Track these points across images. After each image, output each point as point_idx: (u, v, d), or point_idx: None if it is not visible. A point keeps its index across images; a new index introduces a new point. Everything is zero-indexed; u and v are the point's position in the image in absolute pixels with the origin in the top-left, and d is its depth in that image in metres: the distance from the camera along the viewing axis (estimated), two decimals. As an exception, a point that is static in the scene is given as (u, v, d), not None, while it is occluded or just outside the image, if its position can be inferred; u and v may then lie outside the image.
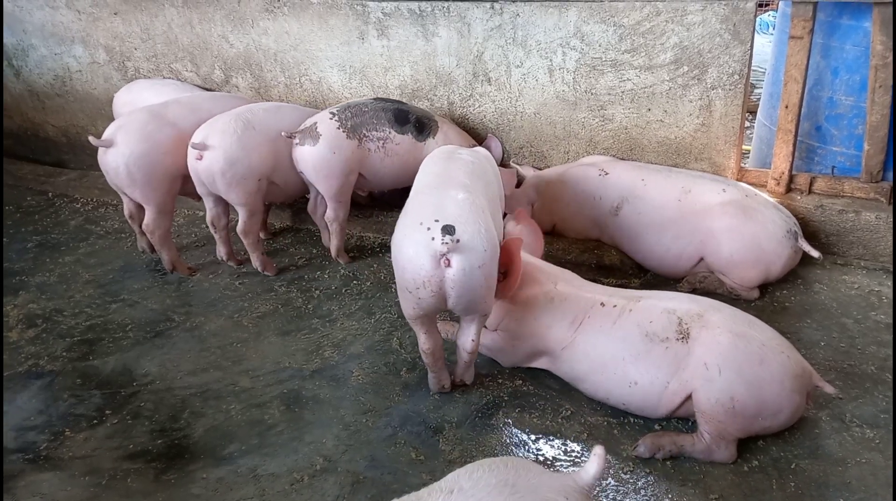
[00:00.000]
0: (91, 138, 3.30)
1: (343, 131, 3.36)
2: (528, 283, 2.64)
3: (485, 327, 2.92)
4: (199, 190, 3.41)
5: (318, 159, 3.34)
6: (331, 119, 3.38)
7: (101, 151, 3.34)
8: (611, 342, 2.45)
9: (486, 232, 2.31)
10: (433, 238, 2.24)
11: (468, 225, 2.28)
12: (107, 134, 3.34)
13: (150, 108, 3.53)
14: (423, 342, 2.51)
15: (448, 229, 2.23)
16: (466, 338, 2.52)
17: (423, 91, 3.95)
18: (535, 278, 2.66)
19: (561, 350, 2.57)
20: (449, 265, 2.24)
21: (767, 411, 2.26)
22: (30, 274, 3.71)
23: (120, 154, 3.29)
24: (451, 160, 2.71)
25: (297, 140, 3.36)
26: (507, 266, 2.52)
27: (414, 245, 2.28)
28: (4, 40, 4.97)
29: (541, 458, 2.37)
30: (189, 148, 3.29)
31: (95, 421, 2.65)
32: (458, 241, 2.22)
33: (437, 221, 2.27)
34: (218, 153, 3.23)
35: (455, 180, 2.52)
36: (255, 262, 3.56)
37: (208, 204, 3.48)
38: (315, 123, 3.37)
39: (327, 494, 2.27)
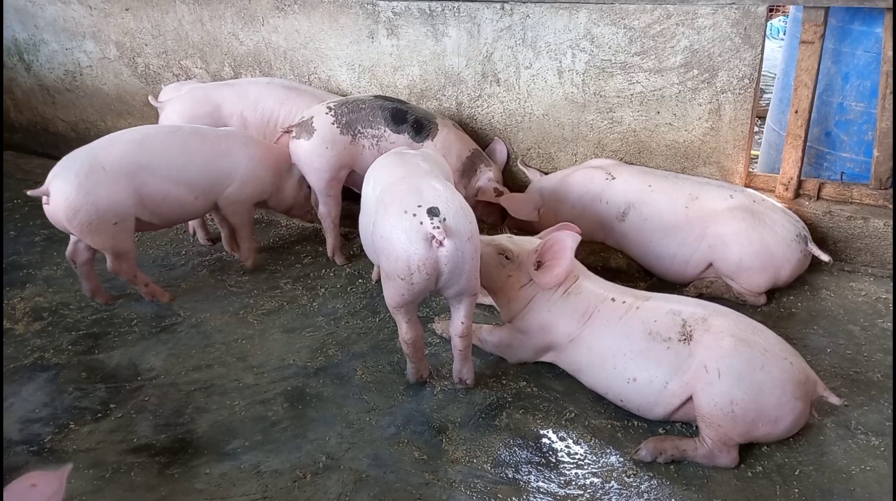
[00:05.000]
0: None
1: (337, 127, 3.38)
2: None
3: (496, 323, 2.92)
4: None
5: (311, 153, 3.37)
6: (326, 114, 3.40)
7: None
8: (614, 337, 2.47)
9: (464, 207, 2.40)
10: (421, 222, 2.29)
11: (449, 203, 2.35)
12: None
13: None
14: (406, 331, 2.55)
15: (433, 211, 2.30)
16: (457, 321, 2.53)
17: (432, 91, 3.95)
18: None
19: (568, 343, 2.59)
20: (441, 245, 2.29)
21: (768, 417, 2.25)
22: (37, 267, 3.73)
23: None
24: (404, 156, 2.74)
25: (293, 134, 3.41)
26: (553, 258, 2.59)
27: (404, 232, 2.31)
28: (16, 35, 4.99)
29: (543, 461, 2.36)
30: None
31: (100, 415, 2.66)
32: (444, 220, 2.29)
33: (419, 206, 2.32)
34: (58, 199, 2.95)
35: (420, 170, 2.58)
36: (142, 291, 3.31)
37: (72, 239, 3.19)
38: (311, 117, 3.40)
39: (330, 492, 2.27)
